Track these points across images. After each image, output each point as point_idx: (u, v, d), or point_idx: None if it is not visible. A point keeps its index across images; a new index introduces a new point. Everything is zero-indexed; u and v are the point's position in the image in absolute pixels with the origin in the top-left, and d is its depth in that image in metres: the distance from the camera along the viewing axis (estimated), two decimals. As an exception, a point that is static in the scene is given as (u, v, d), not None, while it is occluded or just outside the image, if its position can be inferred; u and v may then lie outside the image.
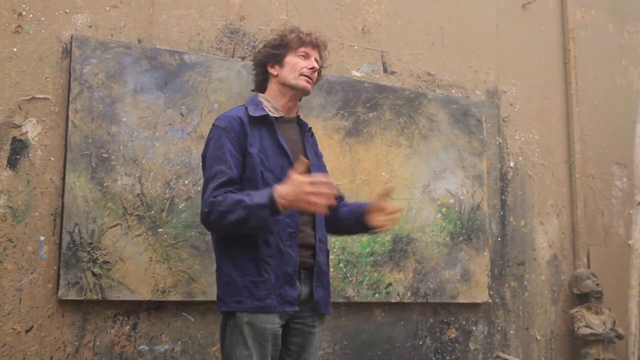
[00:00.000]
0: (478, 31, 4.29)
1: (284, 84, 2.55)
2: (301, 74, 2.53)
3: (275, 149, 2.47)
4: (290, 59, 2.54)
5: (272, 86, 2.58)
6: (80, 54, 3.01)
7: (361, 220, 2.58)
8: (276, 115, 2.54)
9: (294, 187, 2.24)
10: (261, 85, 2.63)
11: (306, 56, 2.56)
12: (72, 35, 3.03)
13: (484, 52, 4.28)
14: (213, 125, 2.49)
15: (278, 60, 2.55)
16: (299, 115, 2.66)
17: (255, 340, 2.34)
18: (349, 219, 2.65)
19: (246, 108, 2.50)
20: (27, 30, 2.97)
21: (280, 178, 2.41)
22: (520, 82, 4.41)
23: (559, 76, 4.59)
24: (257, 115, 2.48)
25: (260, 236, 2.37)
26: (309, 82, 2.55)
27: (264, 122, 2.49)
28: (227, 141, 2.40)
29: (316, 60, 2.59)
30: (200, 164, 2.61)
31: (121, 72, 3.09)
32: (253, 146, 2.43)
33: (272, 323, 2.37)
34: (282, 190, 2.25)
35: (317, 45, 2.59)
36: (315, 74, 2.58)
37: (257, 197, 2.27)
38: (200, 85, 3.26)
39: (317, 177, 2.29)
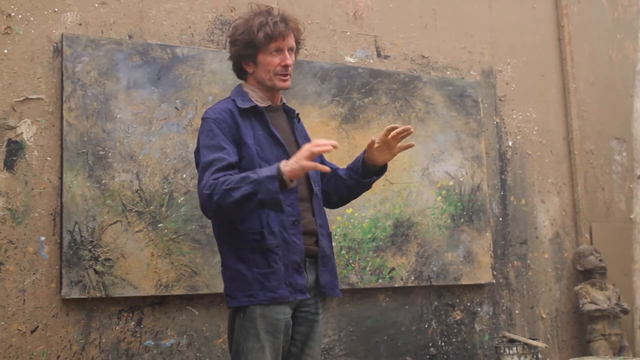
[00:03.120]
0: (471, 11, 4.27)
1: (261, 83, 2.52)
2: (276, 74, 2.48)
3: (268, 139, 2.46)
4: (263, 59, 2.48)
5: (252, 81, 2.55)
6: (71, 52, 3.00)
7: (362, 169, 2.58)
8: (264, 105, 2.52)
9: (295, 155, 2.30)
10: (242, 77, 2.61)
11: (279, 50, 2.48)
12: (62, 34, 3.02)
13: (477, 32, 4.26)
14: (203, 118, 2.46)
15: (251, 59, 2.51)
16: (284, 103, 2.64)
17: (268, 332, 2.32)
18: (350, 178, 2.65)
19: (234, 100, 2.48)
20: (17, 31, 2.96)
21: None
22: (515, 60, 4.39)
23: (554, 53, 4.57)
24: (246, 107, 2.46)
25: (265, 227, 2.36)
26: (285, 80, 2.51)
27: (254, 112, 2.47)
28: (219, 132, 2.38)
29: (290, 49, 2.51)
30: (194, 160, 2.56)
31: (113, 69, 3.08)
32: (248, 136, 2.41)
33: (284, 313, 2.36)
34: (286, 161, 2.29)
35: (287, 35, 2.50)
36: (291, 67, 2.52)
37: (265, 171, 2.27)
38: (193, 78, 3.25)
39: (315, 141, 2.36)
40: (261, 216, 2.37)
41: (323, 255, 2.50)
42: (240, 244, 2.37)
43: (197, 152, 2.46)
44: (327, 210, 2.70)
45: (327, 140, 2.30)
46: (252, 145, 2.40)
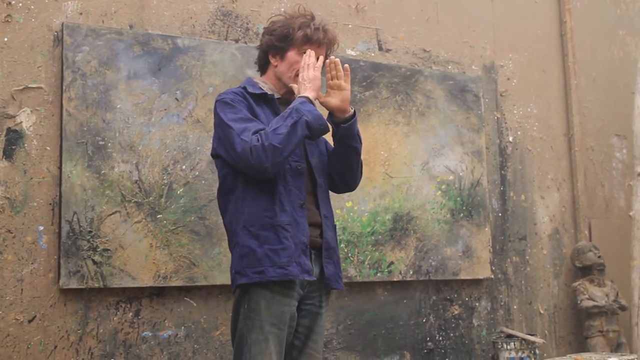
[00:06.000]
0: (473, 5, 4.25)
1: (280, 79, 2.53)
2: (297, 75, 2.48)
3: None
4: (292, 56, 2.49)
5: (271, 74, 2.56)
6: (71, 41, 2.99)
7: (335, 125, 2.52)
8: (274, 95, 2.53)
9: (302, 79, 2.43)
10: (262, 68, 2.61)
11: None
12: (62, 23, 3.00)
13: (479, 27, 4.25)
14: (217, 100, 2.43)
15: (280, 53, 2.52)
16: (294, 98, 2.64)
17: (273, 324, 2.30)
18: (336, 150, 2.58)
19: (244, 87, 2.48)
20: (17, 20, 2.95)
21: None
22: (517, 56, 4.38)
23: (556, 49, 4.56)
24: (256, 92, 2.46)
25: (277, 204, 2.34)
26: None
27: (264, 100, 2.47)
28: (241, 107, 2.38)
29: (318, 59, 2.52)
30: (211, 151, 2.51)
31: (114, 59, 3.06)
32: (261, 117, 2.42)
33: (290, 305, 2.34)
34: (300, 89, 2.43)
35: (323, 44, 2.52)
36: None
37: (293, 103, 2.37)
38: (194, 70, 3.24)
39: (307, 61, 2.44)
40: (274, 194, 2.36)
41: (327, 247, 2.48)
42: (252, 221, 2.34)
43: (222, 126, 2.37)
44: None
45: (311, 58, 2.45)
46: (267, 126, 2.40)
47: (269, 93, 2.48)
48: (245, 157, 2.28)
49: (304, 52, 2.48)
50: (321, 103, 2.49)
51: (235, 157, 2.32)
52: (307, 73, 2.41)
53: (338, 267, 2.52)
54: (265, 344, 2.28)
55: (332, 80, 2.48)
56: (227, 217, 2.45)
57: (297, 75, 2.48)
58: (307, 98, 2.38)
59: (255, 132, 2.31)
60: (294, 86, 2.47)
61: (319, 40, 2.50)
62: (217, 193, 2.50)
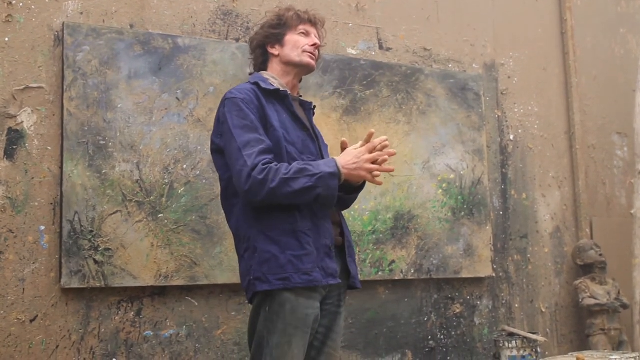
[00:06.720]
0: (473, 4, 4.25)
1: (288, 63, 2.48)
2: (304, 51, 2.47)
3: (293, 122, 2.41)
4: (291, 37, 2.48)
5: (275, 66, 2.51)
6: (72, 41, 2.99)
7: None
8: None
9: (354, 156, 2.29)
10: (261, 67, 2.56)
11: (306, 34, 2.50)
12: (63, 23, 3.00)
13: (480, 25, 4.25)
14: (227, 98, 2.37)
15: (278, 40, 2.49)
16: (301, 95, 2.61)
17: (297, 328, 2.24)
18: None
19: (256, 83, 2.43)
20: (18, 20, 2.95)
21: (302, 151, 2.37)
22: (517, 54, 4.38)
23: (556, 47, 4.56)
24: (270, 88, 2.41)
25: (296, 209, 2.29)
26: (312, 59, 2.50)
27: (276, 96, 2.43)
28: (249, 112, 2.32)
29: (316, 37, 2.53)
30: (210, 147, 2.45)
31: (115, 58, 3.07)
32: (273, 119, 2.36)
33: (314, 308, 2.29)
34: (342, 160, 2.29)
35: (315, 23, 2.54)
36: (317, 50, 2.52)
37: (324, 166, 2.26)
38: (195, 69, 3.24)
39: (375, 143, 2.31)
40: None
41: (349, 245, 2.45)
42: (271, 227, 2.29)
43: (226, 132, 2.33)
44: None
45: (385, 144, 2.30)
46: (279, 128, 2.35)
47: (281, 89, 2.44)
48: (240, 179, 2.24)
49: (302, 32, 2.49)
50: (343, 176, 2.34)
51: (230, 168, 2.31)
52: (365, 153, 2.29)
53: (356, 266, 2.50)
54: (288, 347, 2.22)
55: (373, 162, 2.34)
56: (232, 220, 2.40)
57: (304, 50, 2.47)
58: (338, 174, 2.26)
59: (261, 152, 2.25)
60: (345, 143, 2.38)
61: (310, 19, 2.52)
62: (221, 196, 2.44)
